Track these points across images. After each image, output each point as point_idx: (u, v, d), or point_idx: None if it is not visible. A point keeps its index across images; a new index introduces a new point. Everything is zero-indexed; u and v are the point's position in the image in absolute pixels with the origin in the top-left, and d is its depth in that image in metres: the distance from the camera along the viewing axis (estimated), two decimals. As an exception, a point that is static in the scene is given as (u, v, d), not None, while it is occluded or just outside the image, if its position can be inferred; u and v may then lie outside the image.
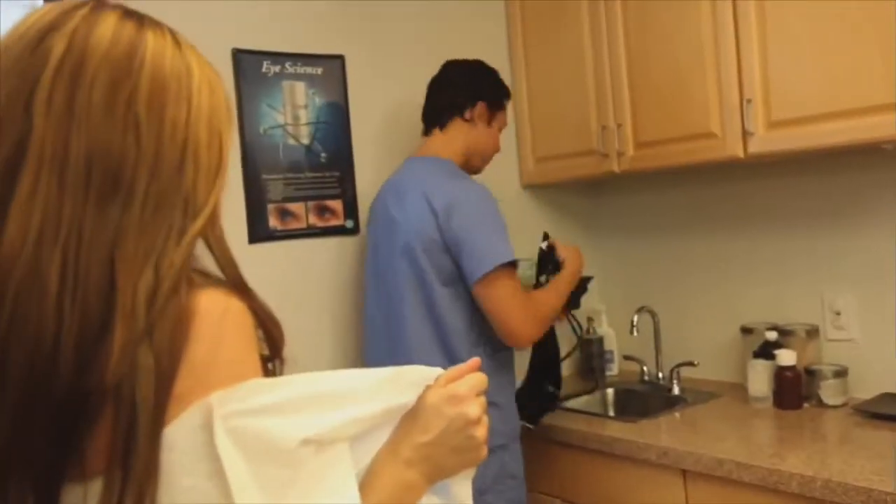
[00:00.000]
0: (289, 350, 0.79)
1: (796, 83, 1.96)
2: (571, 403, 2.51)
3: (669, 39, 2.24)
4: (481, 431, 0.85)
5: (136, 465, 0.62)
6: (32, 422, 0.62)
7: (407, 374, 0.84)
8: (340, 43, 2.37)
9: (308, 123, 2.30)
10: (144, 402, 0.63)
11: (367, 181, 2.35)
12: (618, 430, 2.12)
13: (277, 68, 2.24)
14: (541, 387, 2.25)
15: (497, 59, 2.71)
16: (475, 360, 0.90)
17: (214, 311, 0.69)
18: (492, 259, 1.90)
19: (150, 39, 0.72)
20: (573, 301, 2.51)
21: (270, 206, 2.22)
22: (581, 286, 2.74)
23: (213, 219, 0.75)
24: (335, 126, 2.35)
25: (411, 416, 0.83)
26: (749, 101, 2.05)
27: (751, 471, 1.75)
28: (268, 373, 0.75)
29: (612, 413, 2.60)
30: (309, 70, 2.30)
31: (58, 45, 0.68)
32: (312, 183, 2.30)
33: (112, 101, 0.69)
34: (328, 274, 2.29)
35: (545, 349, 2.24)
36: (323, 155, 2.32)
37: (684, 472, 1.91)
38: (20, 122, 0.66)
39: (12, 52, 0.68)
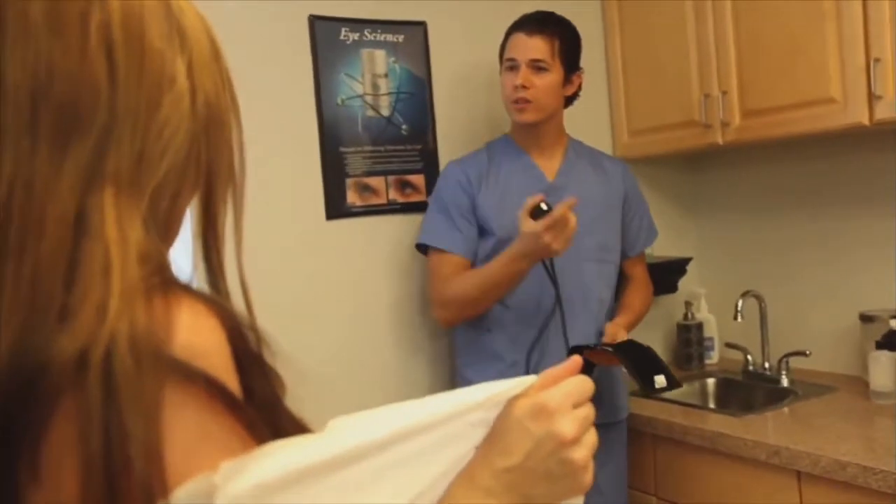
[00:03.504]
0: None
1: (936, 38, 1.73)
2: (668, 394, 2.31)
3: (783, -5, 2.03)
4: (580, 453, 0.66)
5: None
6: None
7: (487, 394, 0.66)
8: (422, 8, 2.24)
9: (388, 94, 2.18)
10: (125, 373, 0.47)
11: (451, 155, 2.21)
12: (721, 425, 1.94)
13: (356, 35, 2.13)
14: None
15: (590, 24, 2.54)
16: (574, 360, 0.71)
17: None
18: (419, 235, 2.05)
19: None
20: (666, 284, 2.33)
21: (349, 181, 2.12)
22: (680, 268, 2.57)
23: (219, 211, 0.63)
24: (417, 96, 2.23)
25: (492, 435, 0.66)
26: (878, 60, 1.83)
27: (880, 476, 1.55)
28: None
29: (711, 405, 2.41)
30: (389, 37, 2.18)
31: None
32: (393, 156, 2.18)
33: (58, 13, 0.53)
34: (410, 252, 2.17)
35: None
36: (404, 127, 2.21)
37: (799, 474, 1.72)
38: None
39: None
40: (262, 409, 0.55)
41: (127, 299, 0.50)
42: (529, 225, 1.69)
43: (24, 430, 0.47)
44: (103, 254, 0.51)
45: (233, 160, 0.64)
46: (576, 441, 0.65)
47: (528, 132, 2.03)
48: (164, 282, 0.53)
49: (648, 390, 1.78)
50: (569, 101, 2.07)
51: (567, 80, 2.01)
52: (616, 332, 1.91)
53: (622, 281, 2.15)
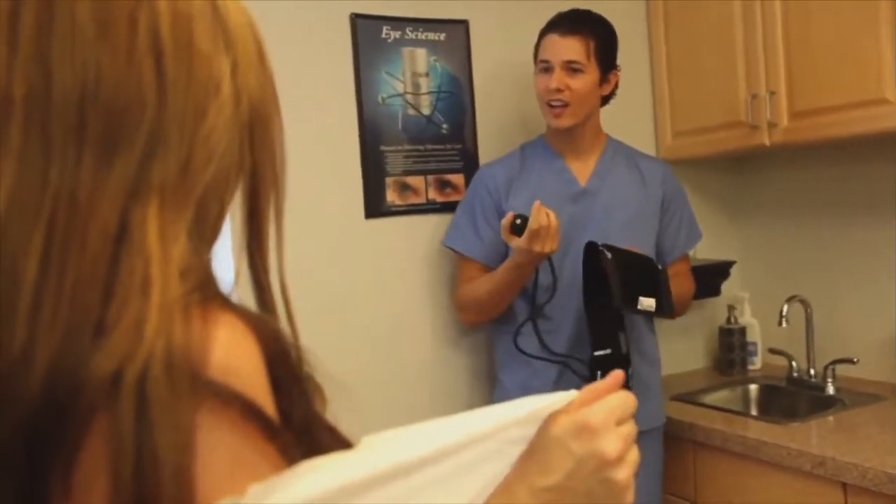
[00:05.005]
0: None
1: None
2: (708, 399, 2.29)
3: (835, -7, 1.97)
4: (624, 473, 0.64)
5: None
6: None
7: (527, 409, 0.64)
8: (464, 7, 2.22)
9: (429, 92, 2.17)
10: (160, 396, 0.46)
11: (491, 154, 2.20)
12: (764, 433, 1.90)
13: (398, 34, 2.12)
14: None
15: (634, 22, 2.51)
16: (617, 374, 0.69)
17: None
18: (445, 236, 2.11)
19: None
20: (708, 288, 2.28)
21: (389, 180, 2.12)
22: (723, 271, 2.52)
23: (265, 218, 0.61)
24: (457, 96, 2.21)
25: (530, 452, 0.64)
26: (934, 60, 1.77)
27: (930, 490, 1.51)
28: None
29: (754, 412, 2.36)
30: (431, 36, 2.17)
31: None
32: (433, 156, 2.18)
33: (106, 15, 0.51)
34: (448, 251, 2.15)
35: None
36: (444, 126, 2.20)
37: (845, 486, 1.67)
38: None
39: None
40: (299, 432, 0.54)
41: (165, 316, 0.48)
42: (515, 242, 1.75)
43: (59, 446, 0.47)
44: (143, 269, 0.49)
45: (276, 162, 0.62)
46: (619, 460, 0.64)
47: (563, 135, 2.00)
48: (203, 297, 0.52)
49: (623, 307, 1.76)
50: (605, 100, 2.03)
51: (603, 79, 1.97)
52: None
53: None
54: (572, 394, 0.66)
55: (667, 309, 1.79)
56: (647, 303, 1.74)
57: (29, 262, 0.48)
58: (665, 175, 2.10)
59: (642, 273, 1.80)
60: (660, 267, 1.84)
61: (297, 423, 0.54)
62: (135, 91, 0.51)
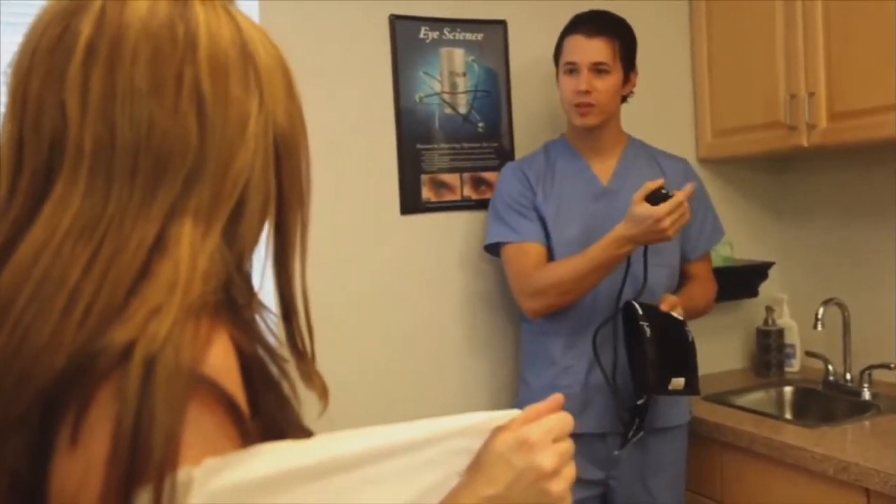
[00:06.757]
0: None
1: None
2: (741, 400, 2.28)
3: (878, -6, 1.94)
4: (558, 485, 0.71)
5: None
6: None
7: (470, 422, 0.71)
8: (502, 7, 2.25)
9: (466, 92, 2.21)
10: (166, 372, 0.54)
11: (527, 153, 2.23)
12: (792, 436, 1.90)
13: (436, 34, 2.17)
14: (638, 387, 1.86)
15: (676, 25, 2.51)
16: (556, 398, 0.76)
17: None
18: (487, 237, 2.07)
19: (199, 11, 0.63)
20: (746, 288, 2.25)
21: (424, 177, 2.17)
22: (761, 272, 2.50)
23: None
24: (494, 95, 2.25)
25: (477, 464, 0.71)
26: (975, 63, 1.74)
27: (952, 499, 1.50)
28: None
29: (788, 415, 2.35)
30: (468, 36, 2.21)
31: (85, 28, 0.60)
32: (469, 154, 2.22)
33: (158, 77, 0.60)
34: (482, 247, 2.20)
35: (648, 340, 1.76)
36: (481, 125, 2.23)
37: (868, 492, 1.67)
38: (53, 121, 0.60)
39: (38, 50, 0.61)
40: (272, 429, 0.63)
41: (184, 313, 0.57)
42: (647, 208, 1.67)
43: (69, 407, 0.55)
44: (172, 272, 0.58)
45: (302, 185, 0.70)
46: (555, 473, 0.71)
47: (585, 135, 2.02)
48: (217, 303, 0.60)
49: (654, 391, 1.77)
50: (623, 99, 2.05)
51: (626, 79, 1.99)
52: (675, 303, 1.82)
53: (684, 281, 2.09)
54: (515, 412, 0.73)
55: (695, 388, 1.77)
56: (677, 383, 1.73)
57: (73, 271, 0.57)
58: (686, 172, 2.09)
59: (675, 347, 1.76)
60: (690, 338, 1.77)
61: (273, 422, 0.63)
62: (180, 137, 0.61)
